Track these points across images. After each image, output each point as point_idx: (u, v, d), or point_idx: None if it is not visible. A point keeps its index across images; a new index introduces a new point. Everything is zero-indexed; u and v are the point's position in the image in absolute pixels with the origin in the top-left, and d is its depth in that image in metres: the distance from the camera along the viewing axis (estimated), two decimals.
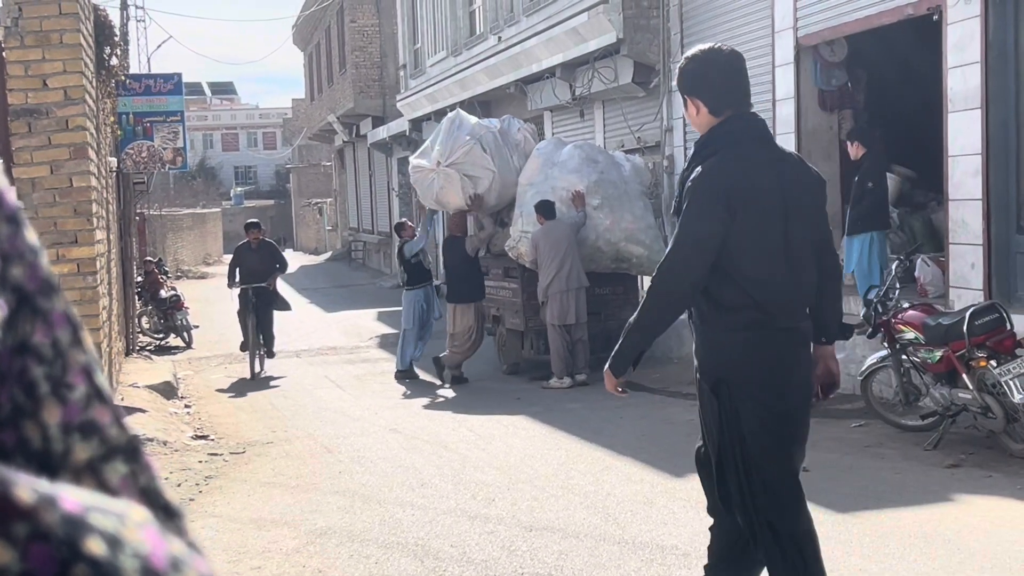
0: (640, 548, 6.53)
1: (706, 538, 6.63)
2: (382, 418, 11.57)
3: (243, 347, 15.31)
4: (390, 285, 28.45)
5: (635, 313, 4.44)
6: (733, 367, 4.30)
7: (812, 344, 4.56)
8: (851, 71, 13.11)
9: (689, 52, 4.54)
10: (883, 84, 13.61)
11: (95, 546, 0.47)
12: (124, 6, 38.80)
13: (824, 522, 6.85)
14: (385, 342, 17.97)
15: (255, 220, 16.26)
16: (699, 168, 4.31)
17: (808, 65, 12.90)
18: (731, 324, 4.30)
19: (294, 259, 48.40)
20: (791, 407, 4.36)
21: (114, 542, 0.48)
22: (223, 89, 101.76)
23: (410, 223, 15.76)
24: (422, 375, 14.31)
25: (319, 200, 56.50)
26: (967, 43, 10.07)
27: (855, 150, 11.23)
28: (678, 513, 7.24)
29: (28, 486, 0.48)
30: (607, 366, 4.47)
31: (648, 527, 6.95)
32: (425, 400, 12.67)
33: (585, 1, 16.41)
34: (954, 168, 10.43)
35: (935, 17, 10.47)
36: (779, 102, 13.20)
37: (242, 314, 15.24)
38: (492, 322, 14.94)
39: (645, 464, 8.66)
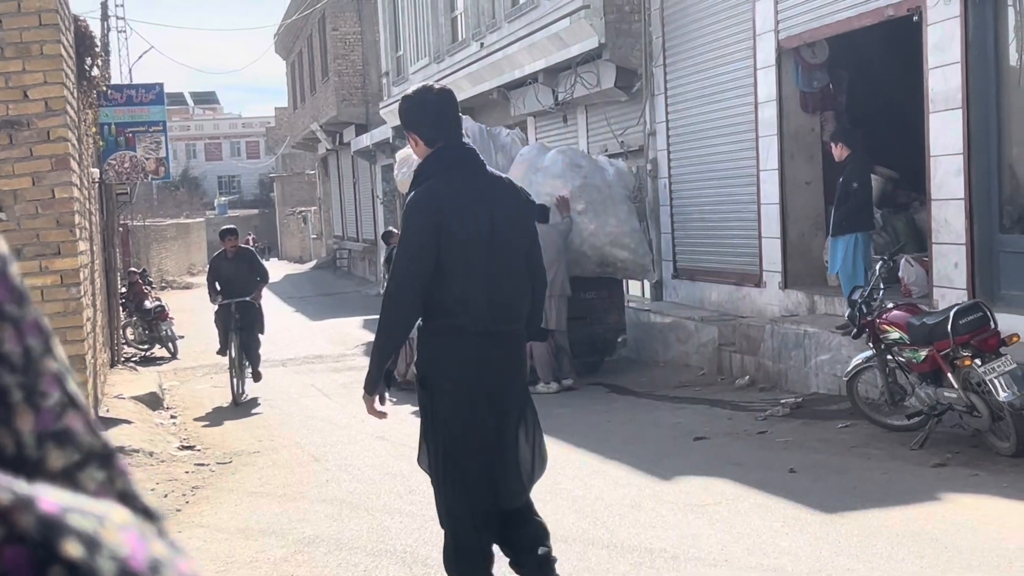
0: (629, 552, 6.53)
1: (695, 540, 6.65)
2: (369, 426, 11.53)
3: (222, 351, 14.29)
4: (375, 293, 28.42)
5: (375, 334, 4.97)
6: (434, 366, 4.86)
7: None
8: (833, 73, 13.15)
9: (406, 92, 5.10)
10: (865, 85, 13.66)
11: (72, 548, 0.47)
12: (105, 17, 38.71)
13: (812, 522, 6.87)
14: (371, 350, 17.93)
15: (231, 226, 15.06)
16: (414, 192, 4.85)
17: (790, 67, 12.94)
18: (435, 329, 4.86)
19: (279, 268, 48.30)
20: (483, 403, 4.83)
21: (92, 544, 0.47)
22: (205, 99, 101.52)
23: (396, 231, 15.70)
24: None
25: (303, 209, 56.42)
26: (947, 43, 10.11)
27: (839, 151, 11.26)
28: (666, 516, 7.24)
29: (5, 487, 0.47)
30: (363, 388, 5.01)
31: (636, 530, 6.95)
32: (412, 407, 12.64)
33: (567, 6, 16.43)
34: (936, 168, 10.47)
35: (915, 18, 10.51)
36: (761, 104, 13.23)
37: (221, 326, 14.19)
38: None
39: (633, 468, 8.66)
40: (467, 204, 4.79)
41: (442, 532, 7.19)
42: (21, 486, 0.48)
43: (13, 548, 0.46)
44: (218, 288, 14.03)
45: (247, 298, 13.93)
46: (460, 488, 4.92)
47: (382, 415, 4.89)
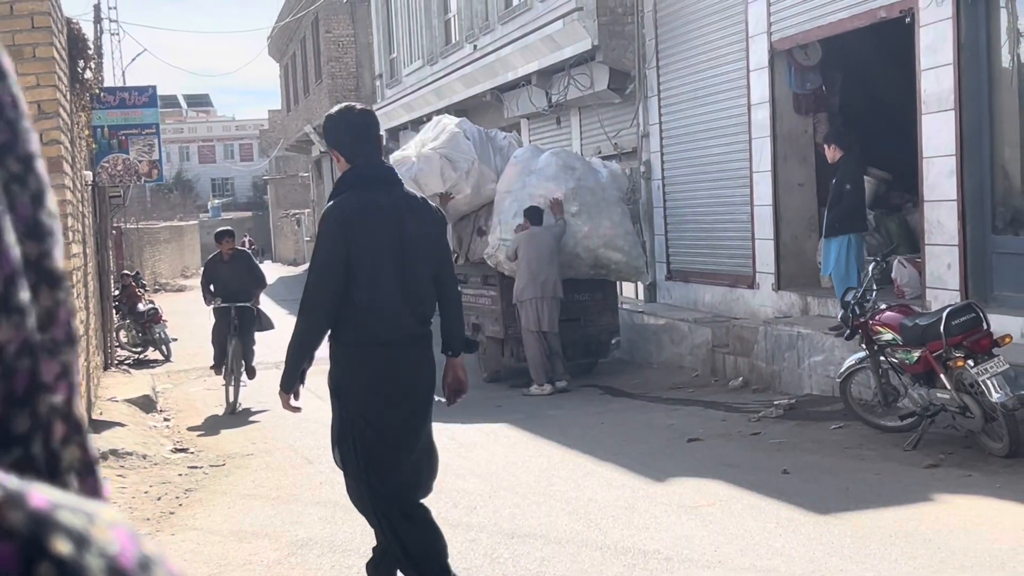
0: (622, 553, 6.53)
1: (689, 542, 6.65)
2: None
3: (217, 368, 13.73)
4: None
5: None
6: (344, 375, 5.12)
7: (446, 356, 5.46)
8: (825, 74, 13.18)
9: (329, 112, 5.39)
10: (858, 87, 13.67)
11: (61, 545, 0.47)
12: (98, 19, 38.69)
13: (805, 523, 6.88)
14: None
15: (227, 228, 14.55)
16: (329, 205, 5.15)
17: (782, 69, 12.95)
18: (344, 339, 5.12)
19: (273, 270, 48.24)
20: (390, 410, 5.09)
21: (81, 541, 0.47)
22: (199, 101, 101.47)
23: None
24: None
25: (297, 211, 56.37)
26: (940, 45, 10.13)
27: (832, 153, 11.27)
28: (660, 518, 7.24)
29: None
30: (279, 385, 5.33)
31: (630, 532, 6.95)
32: None
33: (560, 9, 16.45)
34: (929, 169, 10.49)
35: (908, 20, 10.53)
36: (754, 106, 13.25)
37: (219, 335, 13.52)
38: (472, 330, 14.93)
39: (626, 469, 8.66)
40: (379, 218, 5.04)
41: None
42: (12, 481, 0.48)
43: (1, 544, 0.46)
44: (212, 291, 13.56)
45: (247, 304, 13.48)
46: (371, 483, 5.18)
47: (296, 410, 5.27)
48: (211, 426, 12.26)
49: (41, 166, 0.62)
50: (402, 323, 5.10)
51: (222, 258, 13.68)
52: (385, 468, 5.12)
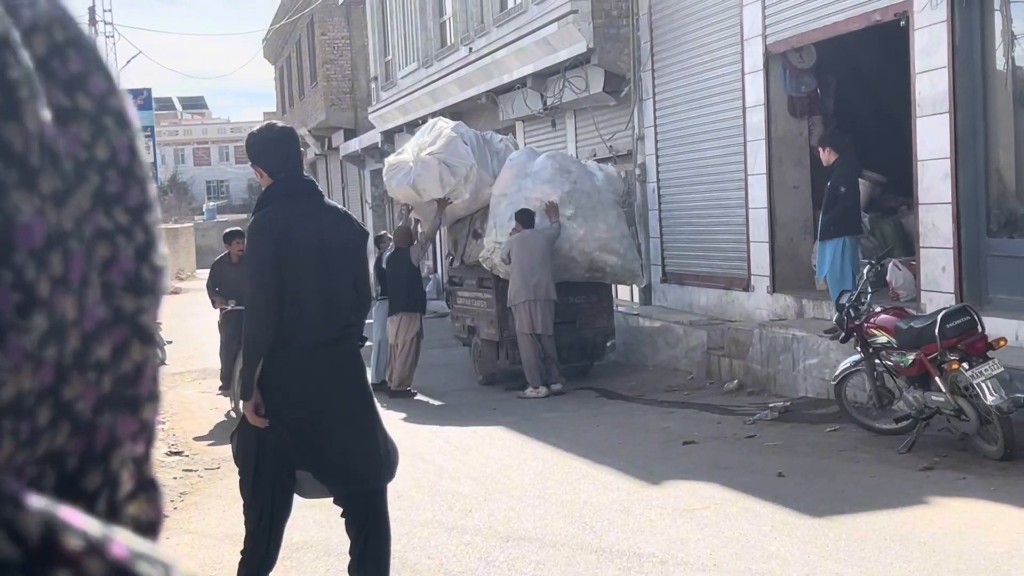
0: (617, 556, 6.53)
1: (684, 545, 6.65)
2: None
3: (226, 388, 12.98)
4: None
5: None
6: (272, 374, 5.27)
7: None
8: (820, 77, 13.19)
9: (251, 131, 5.63)
10: (852, 90, 13.69)
11: None
12: (93, 22, 38.68)
13: (800, 526, 6.88)
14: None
15: (236, 228, 13.81)
16: (256, 217, 5.43)
17: (777, 72, 12.96)
18: (274, 343, 5.27)
19: None
20: (318, 407, 5.31)
21: None
22: (194, 104, 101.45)
23: (389, 235, 15.65)
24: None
25: None
26: (934, 48, 10.15)
27: (827, 156, 11.28)
28: (655, 521, 7.24)
29: (79, 532, 0.48)
30: (241, 398, 5.58)
31: (625, 535, 6.95)
32: (401, 412, 12.63)
33: (555, 11, 16.45)
34: (923, 172, 10.50)
35: (902, 23, 10.54)
36: (749, 109, 13.26)
37: (229, 347, 12.43)
38: (467, 333, 14.93)
39: (621, 472, 8.66)
40: (302, 229, 5.35)
41: (428, 537, 7.20)
42: (94, 528, 0.49)
43: None
44: (218, 292, 12.93)
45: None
46: (259, 478, 5.41)
47: (263, 421, 5.25)
48: (206, 429, 12.25)
49: (152, 219, 0.62)
50: (322, 328, 5.34)
51: (230, 259, 12.99)
52: (282, 463, 5.37)
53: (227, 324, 12.64)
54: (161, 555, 0.50)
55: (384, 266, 14.29)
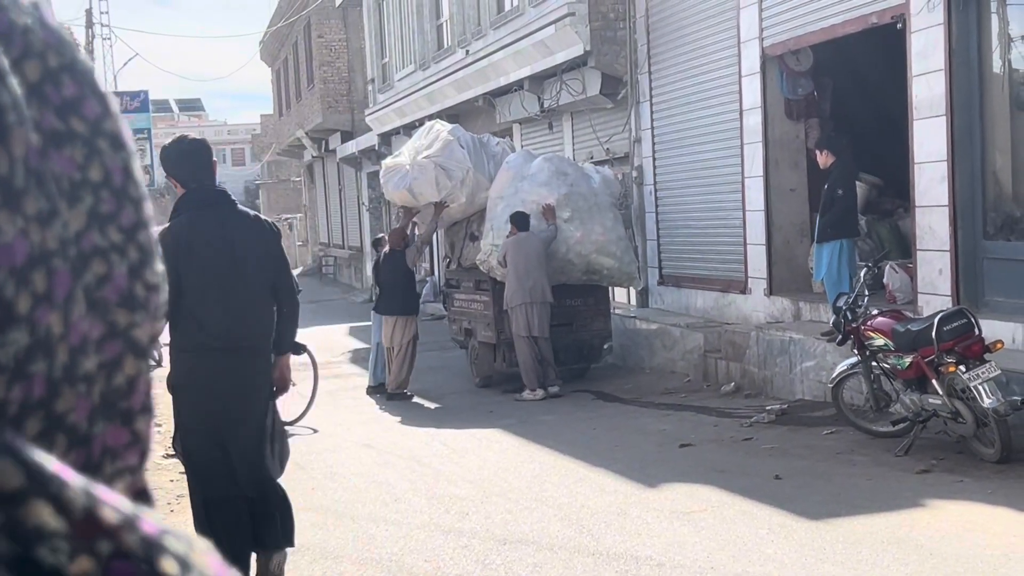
0: (614, 559, 6.53)
1: (681, 548, 6.65)
2: (355, 433, 11.53)
3: None
4: (361, 300, 28.39)
5: None
6: (179, 376, 5.70)
7: (274, 355, 6.00)
8: (817, 80, 13.20)
9: (165, 143, 5.95)
10: (849, 92, 13.70)
11: (169, 566, 0.51)
12: (90, 24, 38.67)
13: (797, 529, 6.88)
14: (357, 357, 17.92)
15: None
16: (166, 225, 5.70)
17: (774, 74, 12.97)
18: (180, 344, 5.68)
19: None
20: (217, 407, 5.66)
21: (185, 564, 0.52)
22: (191, 106, 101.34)
23: (387, 238, 15.62)
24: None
25: (289, 215, 56.30)
26: (931, 51, 10.15)
27: (824, 158, 11.27)
28: (652, 523, 7.24)
29: (113, 507, 0.51)
30: None
31: (622, 538, 6.95)
32: (398, 415, 12.63)
33: (552, 14, 16.45)
34: (920, 175, 10.51)
35: (899, 26, 10.55)
36: (746, 112, 13.26)
37: None
38: (464, 335, 14.93)
39: (618, 475, 8.66)
40: (207, 238, 5.60)
41: (424, 540, 7.21)
42: (126, 505, 0.52)
43: (120, 562, 0.50)
44: None
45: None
46: (195, 475, 5.84)
47: None
48: None
49: (146, 236, 0.65)
50: (225, 334, 5.60)
51: None
52: (198, 460, 5.78)
53: None
54: (183, 532, 0.54)
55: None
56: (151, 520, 0.52)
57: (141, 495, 0.65)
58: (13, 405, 0.55)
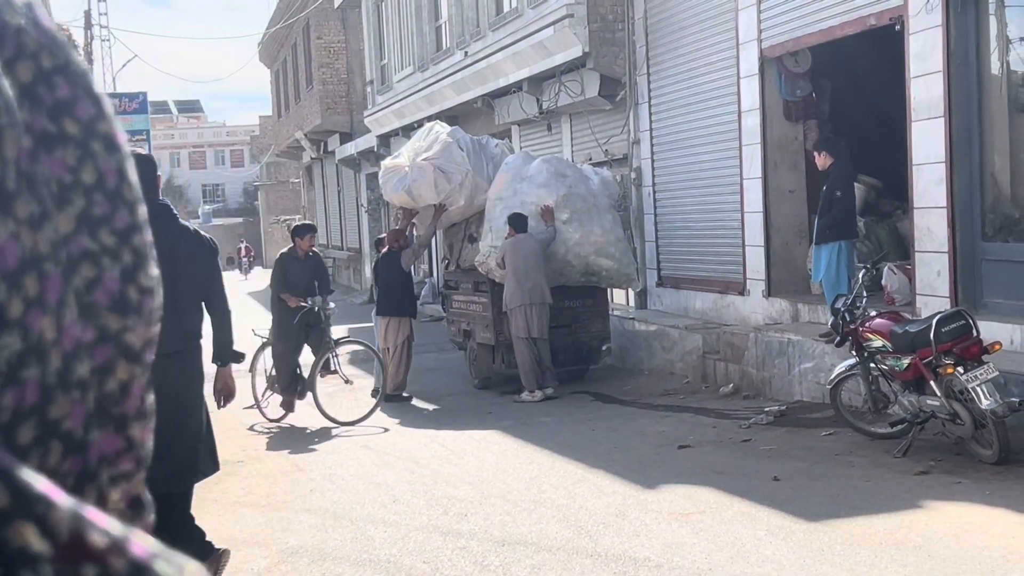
0: (613, 560, 6.53)
1: (680, 549, 6.65)
2: (353, 435, 11.53)
3: (290, 401, 12.53)
4: (360, 301, 28.39)
5: None
6: None
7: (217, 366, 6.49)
8: (815, 81, 13.20)
9: None
10: (847, 94, 13.70)
11: None
12: (88, 25, 38.66)
13: (795, 530, 6.88)
14: (356, 359, 17.89)
15: (310, 223, 13.44)
16: None
17: (773, 76, 12.98)
18: None
19: (264, 277, 48.09)
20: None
21: None
22: (189, 107, 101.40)
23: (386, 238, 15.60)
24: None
25: (288, 217, 56.28)
26: (929, 52, 10.16)
27: (822, 160, 11.28)
28: (650, 525, 7.24)
29: (102, 530, 0.50)
30: None
31: (620, 539, 6.95)
32: (396, 416, 12.63)
33: (551, 15, 16.46)
34: (919, 177, 10.51)
35: (897, 27, 10.55)
36: (744, 113, 13.27)
37: (290, 350, 12.41)
38: (463, 337, 14.93)
39: (617, 476, 8.66)
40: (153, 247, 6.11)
41: (423, 542, 7.21)
42: (116, 528, 0.51)
43: None
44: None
45: (315, 308, 12.26)
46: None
47: None
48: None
49: (141, 239, 0.64)
50: (165, 341, 6.06)
51: (297, 255, 12.41)
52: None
53: (291, 322, 12.20)
54: (175, 556, 0.52)
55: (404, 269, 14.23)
56: (142, 543, 0.51)
57: (135, 503, 0.64)
58: (5, 412, 0.54)
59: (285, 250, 12.64)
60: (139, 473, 0.63)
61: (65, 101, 0.60)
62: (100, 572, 0.49)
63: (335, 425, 12.13)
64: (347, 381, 12.66)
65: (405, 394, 13.69)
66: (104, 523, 0.50)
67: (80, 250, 0.60)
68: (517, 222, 13.16)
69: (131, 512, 0.63)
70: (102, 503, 0.60)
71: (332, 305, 12.54)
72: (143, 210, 0.65)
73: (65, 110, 0.60)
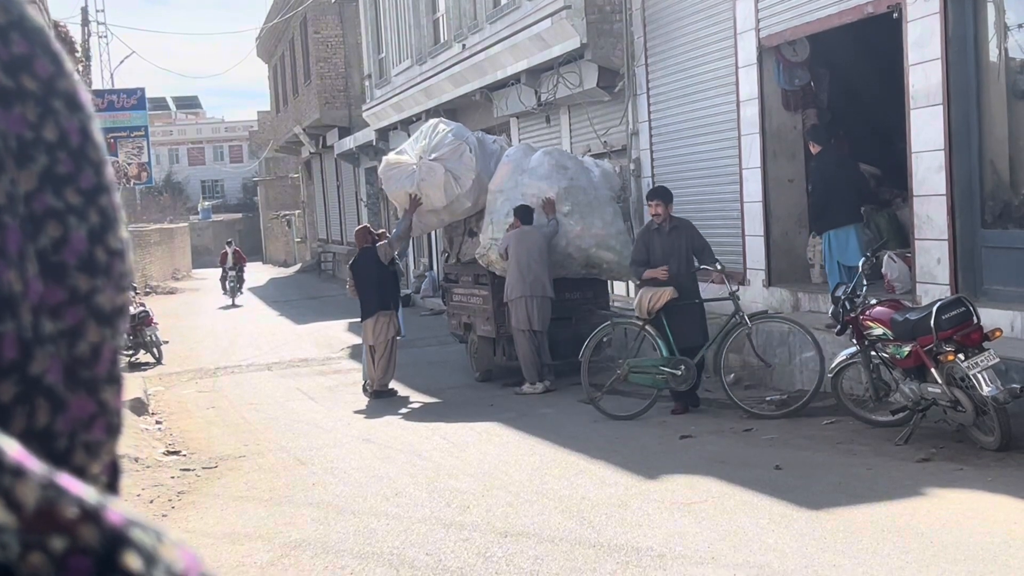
0: (615, 551, 6.54)
1: (682, 538, 6.66)
2: (355, 428, 11.54)
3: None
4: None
5: None
6: None
7: None
8: (813, 70, 13.19)
9: None
10: (846, 82, 13.69)
11: (132, 561, 0.49)
12: (85, 22, 38.64)
13: (797, 519, 6.89)
14: (356, 352, 17.91)
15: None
16: None
17: (771, 65, 12.97)
18: None
19: (263, 272, 48.17)
20: None
21: (150, 558, 0.50)
22: (188, 103, 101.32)
23: (387, 234, 15.56)
24: (394, 386, 14.24)
25: (287, 212, 56.31)
26: (927, 40, 10.15)
27: (814, 149, 11.32)
28: (652, 515, 7.25)
29: (74, 499, 0.49)
30: None
31: (623, 529, 6.96)
32: (398, 409, 12.64)
33: (548, 7, 16.44)
34: (918, 164, 10.51)
35: (895, 15, 10.54)
36: (743, 103, 13.26)
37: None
38: (464, 330, 14.93)
39: (618, 467, 8.67)
40: None
41: (426, 533, 7.22)
42: (91, 496, 0.50)
43: (76, 558, 0.48)
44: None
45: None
46: None
47: None
48: (203, 428, 12.25)
49: (108, 201, 0.63)
50: None
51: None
52: None
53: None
54: (152, 524, 0.51)
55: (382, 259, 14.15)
56: (117, 511, 0.50)
57: (112, 468, 0.63)
58: None
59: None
60: (113, 439, 0.62)
61: (21, 57, 0.59)
62: (70, 543, 0.48)
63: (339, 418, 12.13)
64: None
65: (392, 389, 13.63)
66: (79, 491, 0.50)
67: (44, 207, 0.59)
68: (523, 214, 13.13)
69: (108, 479, 0.62)
70: (82, 470, 0.60)
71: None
72: (110, 171, 0.64)
73: (22, 66, 0.59)
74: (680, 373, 10.85)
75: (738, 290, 11.61)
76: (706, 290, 11.81)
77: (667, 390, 11.05)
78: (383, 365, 13.52)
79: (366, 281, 13.68)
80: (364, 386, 13.96)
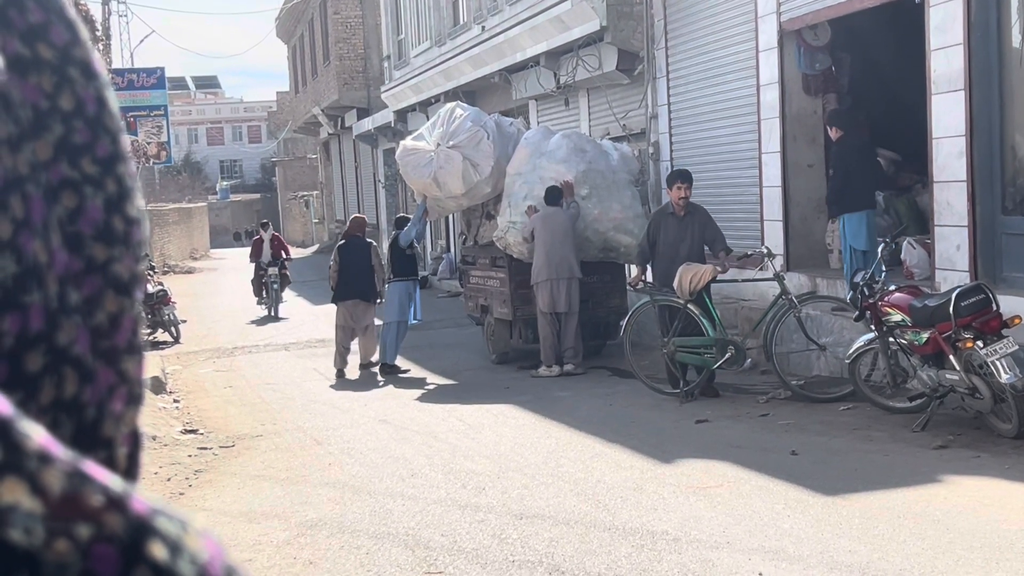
0: (630, 534, 6.55)
1: (697, 523, 6.66)
2: (371, 409, 11.57)
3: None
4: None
5: None
6: None
7: None
8: (834, 55, 13.12)
9: None
10: (867, 67, 13.62)
11: (157, 550, 0.49)
12: (106, 1, 38.69)
13: (813, 504, 6.89)
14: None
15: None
16: None
17: (792, 49, 12.91)
18: None
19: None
20: None
21: (175, 548, 0.50)
22: (207, 83, 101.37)
23: (407, 216, 15.61)
24: (408, 364, 14.27)
25: (305, 193, 56.42)
26: (950, 25, 10.08)
27: (835, 134, 11.28)
28: (668, 498, 7.25)
29: (101, 486, 0.49)
30: None
31: (638, 513, 6.97)
32: (414, 390, 12.67)
33: None
34: (938, 150, 10.45)
35: (917, 0, 10.48)
36: (763, 87, 13.21)
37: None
38: (480, 312, 14.94)
39: (634, 451, 8.68)
40: None
41: (441, 515, 7.24)
42: (116, 484, 0.50)
43: (101, 546, 0.47)
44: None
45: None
46: None
47: None
48: (220, 407, 12.30)
49: (124, 170, 0.62)
50: None
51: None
52: None
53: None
54: (178, 512, 0.51)
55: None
56: (143, 500, 0.50)
57: (134, 438, 0.63)
58: (8, 337, 0.54)
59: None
60: (134, 409, 0.62)
61: (38, 25, 0.58)
62: (95, 531, 0.48)
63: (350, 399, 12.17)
64: None
65: (373, 360, 13.90)
66: (104, 479, 0.49)
67: (60, 178, 0.58)
68: (550, 196, 13.06)
69: (130, 449, 0.62)
70: (111, 442, 0.60)
71: None
72: (125, 139, 0.63)
73: (39, 34, 0.58)
74: (731, 354, 10.86)
75: (783, 270, 11.59)
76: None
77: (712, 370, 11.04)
78: (367, 342, 14.04)
79: (350, 268, 13.94)
80: (381, 366, 13.99)
